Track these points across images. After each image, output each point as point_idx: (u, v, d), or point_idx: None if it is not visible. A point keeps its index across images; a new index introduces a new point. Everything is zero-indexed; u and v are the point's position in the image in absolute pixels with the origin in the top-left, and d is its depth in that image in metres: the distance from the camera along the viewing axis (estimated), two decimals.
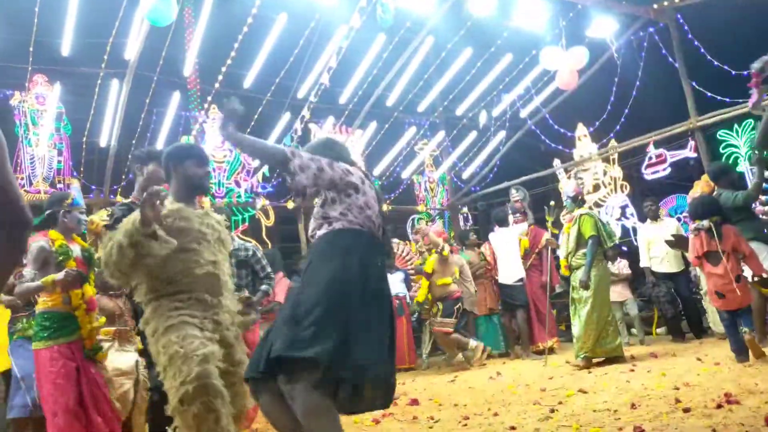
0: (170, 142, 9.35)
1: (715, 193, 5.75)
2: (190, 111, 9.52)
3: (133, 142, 8.74)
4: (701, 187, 6.92)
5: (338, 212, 2.50)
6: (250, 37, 7.69)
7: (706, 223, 4.74)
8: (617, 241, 6.09)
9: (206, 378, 2.44)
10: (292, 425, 2.26)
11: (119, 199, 8.74)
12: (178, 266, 2.74)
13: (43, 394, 3.15)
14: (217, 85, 8.30)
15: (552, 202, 7.43)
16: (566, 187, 6.29)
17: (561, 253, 6.19)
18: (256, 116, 9.00)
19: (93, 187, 8.87)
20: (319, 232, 2.52)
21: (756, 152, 5.14)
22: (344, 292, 2.29)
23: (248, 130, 9.28)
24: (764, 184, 5.59)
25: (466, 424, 3.42)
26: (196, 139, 9.36)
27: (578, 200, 6.17)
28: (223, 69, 7.96)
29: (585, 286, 5.65)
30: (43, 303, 3.39)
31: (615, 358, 5.62)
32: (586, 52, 8.53)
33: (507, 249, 7.63)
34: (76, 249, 3.65)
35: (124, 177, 8.99)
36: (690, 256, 5.12)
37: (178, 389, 2.43)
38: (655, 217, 7.37)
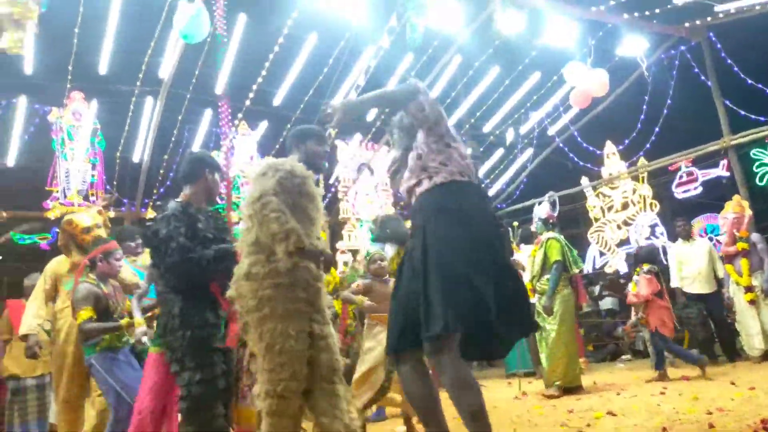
0: None
1: None
2: (220, 128, 9.71)
3: (165, 157, 8.96)
4: (732, 207, 6.80)
5: (438, 162, 2.42)
6: (281, 56, 7.86)
7: (655, 267, 6.01)
8: (582, 268, 5.99)
9: (296, 382, 2.51)
10: (430, 394, 2.32)
11: (150, 212, 8.94)
12: (304, 228, 2.64)
13: (141, 392, 3.22)
14: (247, 102, 8.47)
15: (515, 223, 7.40)
16: (539, 209, 6.17)
17: (526, 276, 5.97)
18: (285, 133, 9.13)
19: (125, 200, 9.09)
20: (420, 189, 2.44)
21: None
22: (478, 255, 2.24)
23: (276, 146, 9.45)
24: None
25: None
26: (227, 154, 9.53)
27: (548, 223, 6.00)
28: (254, 87, 8.13)
29: (548, 311, 5.52)
30: None
31: (576, 387, 5.49)
32: (606, 76, 8.42)
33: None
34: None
35: (155, 191, 9.19)
36: (644, 292, 5.83)
37: (275, 383, 2.49)
38: (687, 237, 7.24)
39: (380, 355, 3.69)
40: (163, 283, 3.04)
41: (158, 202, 8.93)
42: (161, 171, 9.18)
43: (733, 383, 4.74)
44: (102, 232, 4.22)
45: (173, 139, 8.93)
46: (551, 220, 6.06)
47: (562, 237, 5.93)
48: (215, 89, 8.54)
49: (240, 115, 9.18)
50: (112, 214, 8.66)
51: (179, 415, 3.03)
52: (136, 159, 9.01)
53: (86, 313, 3.62)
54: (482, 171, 11.76)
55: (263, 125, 9.52)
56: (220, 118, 9.51)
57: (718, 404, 3.80)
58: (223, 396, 2.94)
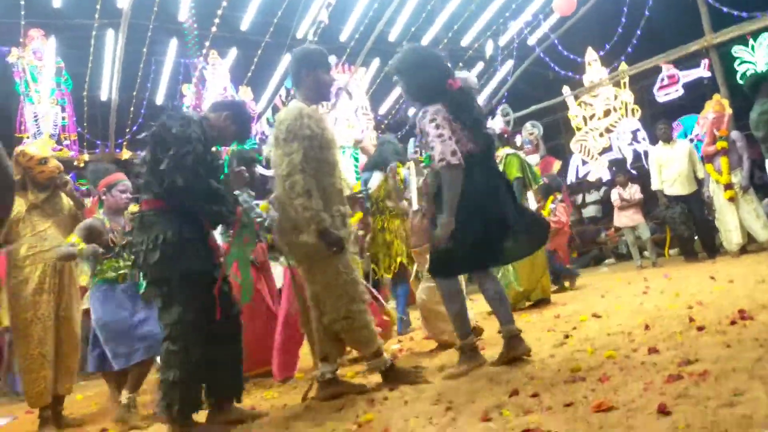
0: (171, 91, 9.24)
1: (760, 102, 5.56)
2: (189, 58, 9.34)
3: (134, 93, 8.64)
4: (712, 107, 6.76)
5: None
6: None
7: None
8: (541, 183, 5.98)
9: (364, 300, 3.00)
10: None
11: (125, 153, 8.73)
12: (326, 180, 2.96)
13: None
14: (214, 28, 8.10)
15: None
16: (492, 124, 6.02)
17: None
18: (255, 59, 8.82)
19: (98, 142, 8.84)
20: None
21: None
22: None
23: (248, 74, 9.12)
24: None
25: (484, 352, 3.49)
26: (197, 86, 9.23)
27: (504, 138, 5.89)
28: (219, 12, 7.74)
29: None
30: None
31: (545, 300, 5.49)
32: None
33: None
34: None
35: (128, 130, 8.93)
36: (564, 219, 6.62)
37: (347, 307, 2.91)
38: (668, 140, 7.24)
39: None
40: (155, 195, 2.74)
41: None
42: (131, 108, 8.89)
43: (712, 278, 4.88)
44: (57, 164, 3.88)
45: (140, 73, 8.59)
46: (506, 135, 5.92)
47: (522, 153, 5.86)
48: (178, 16, 8.12)
49: (207, 43, 8.80)
50: (86, 157, 8.44)
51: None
52: (104, 97, 8.68)
53: (69, 238, 3.55)
54: None
55: (233, 53, 9.16)
56: (188, 48, 9.19)
57: (697, 298, 3.91)
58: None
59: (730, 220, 6.50)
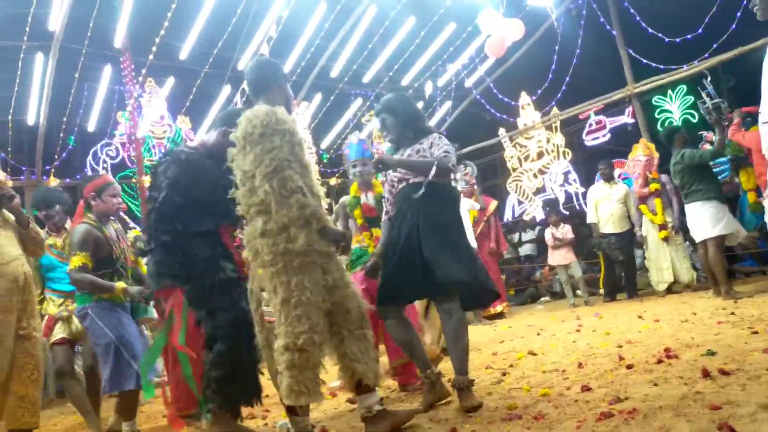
0: (104, 117, 8.93)
1: (675, 152, 5.87)
2: (124, 85, 9.07)
3: (64, 119, 8.28)
4: (642, 150, 7.13)
5: None
6: (185, 5, 7.35)
7: None
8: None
9: (316, 334, 2.51)
10: (412, 341, 3.01)
11: (53, 180, 8.30)
12: (308, 180, 2.70)
13: None
14: (151, 56, 7.92)
15: None
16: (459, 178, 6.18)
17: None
18: (194, 89, 8.67)
19: (24, 168, 8.36)
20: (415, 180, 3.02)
21: (713, 113, 5.22)
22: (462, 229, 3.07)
23: (187, 103, 8.96)
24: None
25: (421, 390, 3.45)
26: (132, 114, 8.96)
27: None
28: (157, 40, 7.60)
29: None
30: None
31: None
32: (521, 25, 8.51)
33: None
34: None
35: (57, 157, 8.51)
36: None
37: (294, 336, 2.46)
38: (609, 179, 7.53)
39: None
40: (174, 221, 2.88)
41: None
42: (61, 134, 8.50)
43: (640, 317, 5.07)
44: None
45: (71, 98, 8.25)
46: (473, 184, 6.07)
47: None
48: (114, 43, 7.90)
49: (143, 71, 8.59)
50: (9, 183, 7.95)
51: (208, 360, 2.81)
52: (30, 122, 8.26)
53: (79, 259, 3.28)
54: None
55: (170, 81, 8.98)
56: (123, 75, 8.93)
57: (627, 337, 4.05)
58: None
59: (663, 259, 6.75)
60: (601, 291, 7.71)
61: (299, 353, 2.46)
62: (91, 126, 8.90)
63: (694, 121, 9.43)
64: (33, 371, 3.28)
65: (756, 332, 3.35)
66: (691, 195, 5.70)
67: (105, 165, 8.76)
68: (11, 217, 3.47)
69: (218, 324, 2.79)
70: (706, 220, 5.58)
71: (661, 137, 6.31)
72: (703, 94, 5.24)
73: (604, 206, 7.35)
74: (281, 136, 2.59)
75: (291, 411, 2.62)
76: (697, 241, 5.85)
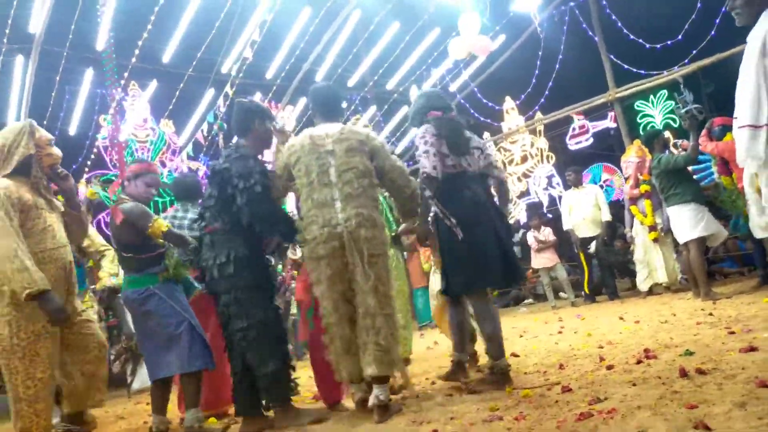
0: (85, 121, 8.84)
1: (654, 156, 5.94)
2: (106, 88, 8.99)
3: (45, 123, 8.18)
4: (635, 151, 7.16)
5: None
6: (168, 8, 7.31)
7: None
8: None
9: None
10: (463, 322, 3.44)
11: None
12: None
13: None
14: (134, 59, 7.86)
15: None
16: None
17: None
18: (177, 93, 8.61)
19: None
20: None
21: (687, 119, 5.29)
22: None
23: (170, 107, 8.90)
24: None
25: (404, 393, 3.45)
26: (115, 117, 8.88)
27: None
28: (140, 43, 7.54)
29: None
30: None
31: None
32: (490, 42, 8.45)
33: None
34: None
35: None
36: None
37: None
38: (577, 184, 7.62)
39: None
40: (225, 221, 3.09)
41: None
42: None
43: (621, 318, 5.13)
44: None
45: (52, 102, 8.16)
46: None
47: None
48: (96, 45, 7.84)
49: (126, 74, 8.52)
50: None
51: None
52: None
53: (161, 222, 3.22)
54: (388, 129, 11.77)
55: (153, 85, 8.91)
56: (106, 78, 8.84)
57: (608, 338, 4.09)
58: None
59: (657, 259, 6.75)
60: (585, 293, 7.78)
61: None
62: (73, 129, 8.81)
63: (675, 125, 9.57)
64: (98, 349, 3.32)
65: (733, 332, 3.40)
66: (670, 198, 5.77)
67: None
68: (57, 202, 3.27)
69: (257, 320, 3.01)
70: (685, 222, 5.65)
71: (642, 142, 6.38)
72: (679, 100, 5.31)
73: (577, 211, 7.43)
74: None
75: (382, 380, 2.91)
76: (680, 243, 5.91)
